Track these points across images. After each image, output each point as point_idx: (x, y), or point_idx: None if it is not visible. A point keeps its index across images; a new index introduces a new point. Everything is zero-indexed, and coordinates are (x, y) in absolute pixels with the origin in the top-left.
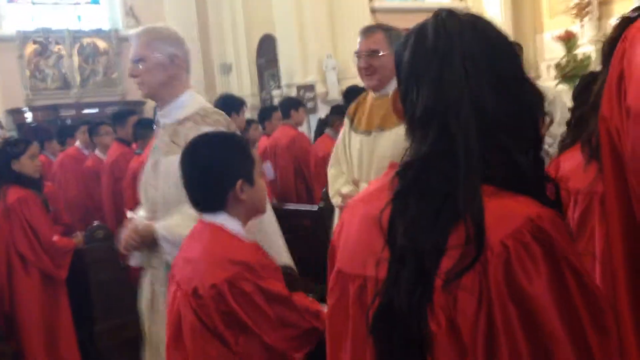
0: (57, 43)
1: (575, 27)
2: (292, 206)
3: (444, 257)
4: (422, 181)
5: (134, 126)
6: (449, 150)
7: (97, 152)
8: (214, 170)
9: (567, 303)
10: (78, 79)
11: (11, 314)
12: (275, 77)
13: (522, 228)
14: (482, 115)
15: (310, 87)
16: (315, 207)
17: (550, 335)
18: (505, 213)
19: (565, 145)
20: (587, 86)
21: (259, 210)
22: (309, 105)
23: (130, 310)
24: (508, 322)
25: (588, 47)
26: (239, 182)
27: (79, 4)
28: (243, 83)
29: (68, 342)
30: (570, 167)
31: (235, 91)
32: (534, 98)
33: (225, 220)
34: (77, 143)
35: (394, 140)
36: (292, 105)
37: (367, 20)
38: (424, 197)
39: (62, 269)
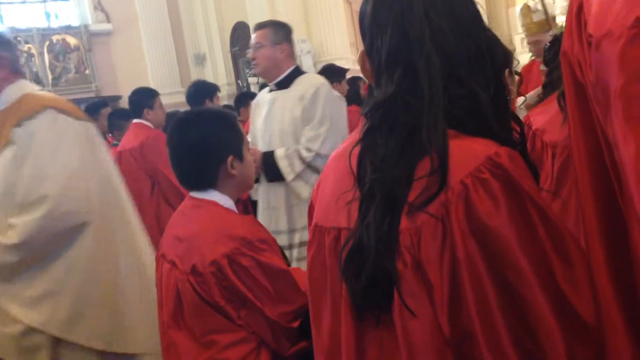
0: (26, 42)
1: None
2: None
3: (410, 188)
4: (390, 118)
5: (108, 117)
6: (414, 86)
7: None
8: (204, 146)
9: (529, 235)
10: (50, 77)
11: None
12: (251, 64)
13: (480, 166)
14: (443, 52)
15: None
16: None
17: (515, 268)
18: (465, 154)
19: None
20: (557, 48)
21: (248, 186)
22: None
23: None
24: (471, 258)
25: (561, 18)
26: (230, 158)
27: (46, 0)
28: (218, 72)
29: None
30: (544, 120)
31: (211, 80)
32: (495, 45)
33: (216, 197)
34: None
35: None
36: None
37: (341, 6)
38: (391, 134)
39: None
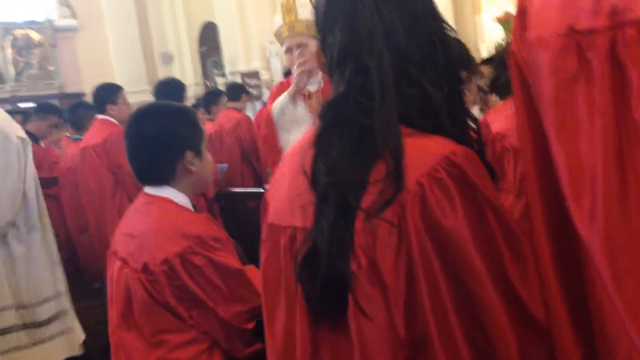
0: None
1: (512, 7)
2: (237, 189)
3: (365, 193)
4: (342, 119)
5: (71, 111)
6: (365, 85)
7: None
8: (162, 140)
9: (484, 235)
10: (12, 72)
11: None
12: (219, 64)
13: (436, 165)
14: (394, 49)
15: (254, 74)
16: (261, 190)
17: (469, 267)
18: (421, 153)
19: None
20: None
21: (205, 186)
22: (254, 92)
23: None
24: (426, 257)
25: None
26: (189, 154)
27: None
28: (186, 72)
29: None
30: (504, 123)
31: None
32: (450, 41)
33: (171, 194)
34: None
35: None
36: (241, 90)
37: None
38: (344, 135)
39: None
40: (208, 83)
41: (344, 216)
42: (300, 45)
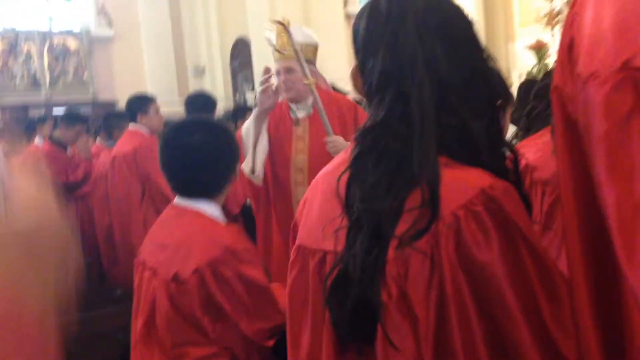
0: (26, 41)
1: (546, 36)
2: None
3: (399, 221)
4: (380, 145)
5: (105, 119)
6: (405, 113)
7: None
8: (213, 155)
9: (518, 272)
10: (48, 78)
11: None
12: (249, 80)
13: (473, 199)
14: (436, 78)
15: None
16: None
17: (502, 305)
18: (458, 184)
19: (520, 136)
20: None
21: (237, 202)
22: None
23: None
24: (459, 291)
25: None
26: (235, 170)
27: (49, 1)
28: (216, 86)
29: None
30: (536, 156)
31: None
32: (492, 72)
33: (204, 206)
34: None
35: None
36: None
37: (341, 23)
38: (380, 161)
39: None
40: (237, 97)
41: (377, 244)
42: (288, 70)
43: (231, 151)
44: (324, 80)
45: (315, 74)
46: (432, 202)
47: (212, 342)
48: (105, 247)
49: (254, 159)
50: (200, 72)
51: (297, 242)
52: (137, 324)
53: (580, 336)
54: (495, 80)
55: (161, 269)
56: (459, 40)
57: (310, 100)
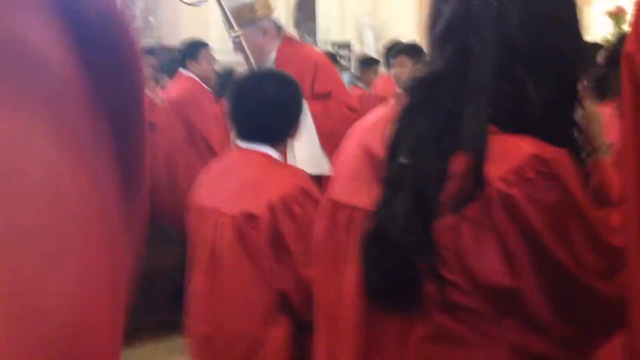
0: None
1: (625, 1)
2: None
3: (444, 186)
4: (431, 99)
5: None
6: (463, 69)
7: None
8: (286, 104)
9: (567, 241)
10: None
11: None
12: (312, 32)
13: (524, 163)
14: (504, 40)
15: (346, 45)
16: None
17: (556, 266)
18: (508, 149)
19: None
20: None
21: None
22: (344, 63)
23: None
24: (511, 256)
25: None
26: (299, 125)
27: None
28: None
29: None
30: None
31: None
32: (574, 46)
33: (270, 150)
34: None
35: None
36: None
37: None
38: (430, 116)
39: None
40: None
41: (421, 208)
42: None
43: (298, 103)
44: (293, 35)
45: (266, 30)
46: (478, 168)
47: (270, 280)
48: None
49: None
50: None
51: (327, 194)
52: (196, 265)
53: (632, 308)
54: (575, 51)
55: (227, 207)
56: (541, 15)
57: (272, 57)
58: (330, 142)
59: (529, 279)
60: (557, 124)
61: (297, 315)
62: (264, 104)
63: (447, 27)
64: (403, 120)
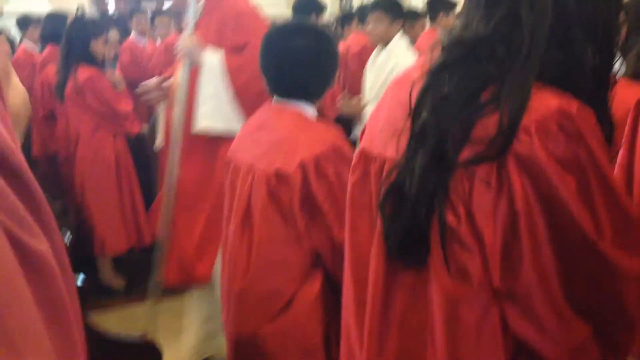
0: None
1: None
2: None
3: (465, 145)
4: (469, 60)
5: None
6: (510, 35)
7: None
8: (324, 61)
9: (585, 198)
10: None
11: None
12: None
13: (547, 115)
14: (556, 11)
15: None
16: None
17: (571, 222)
18: (538, 103)
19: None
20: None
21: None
22: None
23: None
24: (529, 209)
25: None
26: (333, 79)
27: None
28: None
29: None
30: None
31: None
32: (616, 10)
33: (304, 106)
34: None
35: None
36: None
37: None
38: (464, 77)
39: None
40: (344, 2)
41: (438, 163)
42: None
43: (331, 57)
44: None
45: None
46: (509, 133)
47: (303, 239)
48: None
49: None
50: None
51: (361, 146)
52: (231, 222)
53: None
54: (617, 22)
55: (261, 164)
56: None
57: (201, 2)
58: (245, 98)
59: (542, 249)
60: (599, 89)
61: (330, 274)
62: (289, 59)
63: None
64: (435, 75)
